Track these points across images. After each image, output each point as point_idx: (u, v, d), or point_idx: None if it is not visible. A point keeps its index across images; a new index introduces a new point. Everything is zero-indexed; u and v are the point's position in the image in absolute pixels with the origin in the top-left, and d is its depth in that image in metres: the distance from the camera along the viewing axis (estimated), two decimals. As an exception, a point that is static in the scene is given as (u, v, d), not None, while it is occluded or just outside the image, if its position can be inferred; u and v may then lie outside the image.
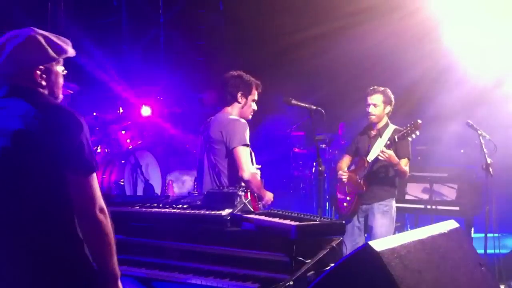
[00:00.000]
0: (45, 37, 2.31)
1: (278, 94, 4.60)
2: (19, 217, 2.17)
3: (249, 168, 4.04)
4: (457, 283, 2.02)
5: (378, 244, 1.85)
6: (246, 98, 4.28)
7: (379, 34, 7.97)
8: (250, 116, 4.35)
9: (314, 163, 7.60)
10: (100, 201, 2.20)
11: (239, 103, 4.27)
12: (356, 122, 8.50)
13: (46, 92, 2.33)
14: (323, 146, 7.78)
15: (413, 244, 1.96)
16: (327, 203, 7.39)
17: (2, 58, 2.26)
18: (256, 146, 4.72)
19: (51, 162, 2.14)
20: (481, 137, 5.33)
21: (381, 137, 5.15)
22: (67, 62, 2.53)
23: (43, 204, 2.17)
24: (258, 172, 4.48)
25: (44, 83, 2.31)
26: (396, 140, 4.94)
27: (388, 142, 4.99)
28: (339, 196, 5.40)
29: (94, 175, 2.21)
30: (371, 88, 5.21)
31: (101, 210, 2.19)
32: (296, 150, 8.47)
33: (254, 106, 4.35)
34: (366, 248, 1.83)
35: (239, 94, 4.25)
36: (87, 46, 8.19)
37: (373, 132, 5.22)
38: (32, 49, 2.27)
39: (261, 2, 8.69)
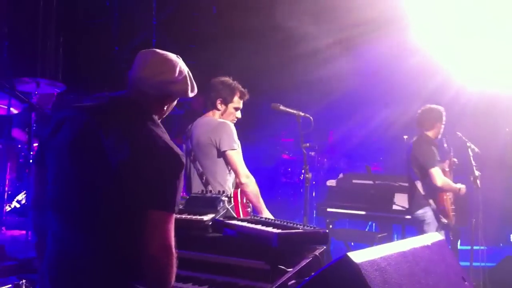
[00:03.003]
0: (189, 72, 2.40)
1: (269, 100, 4.52)
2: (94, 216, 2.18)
3: (245, 171, 3.96)
4: (439, 298, 1.96)
5: (358, 256, 1.79)
6: (226, 106, 4.19)
7: (374, 47, 7.95)
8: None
9: (303, 170, 7.58)
10: (170, 242, 2.16)
11: (218, 110, 4.20)
12: (346, 132, 8.52)
13: (157, 118, 2.36)
14: (312, 153, 7.74)
15: (394, 257, 1.90)
16: (314, 211, 7.34)
17: (153, 70, 2.29)
18: (244, 151, 4.68)
19: (144, 192, 2.13)
20: (469, 149, 5.31)
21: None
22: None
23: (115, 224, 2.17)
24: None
25: (163, 112, 2.39)
26: None
27: None
28: (450, 207, 5.42)
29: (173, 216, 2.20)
30: None
31: (168, 250, 2.15)
32: (285, 156, 8.42)
33: (238, 114, 4.25)
34: (345, 259, 1.77)
35: (218, 101, 4.18)
36: (77, 46, 8.13)
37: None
38: (183, 81, 2.35)
39: (255, 7, 8.63)
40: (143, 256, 2.10)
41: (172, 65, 2.31)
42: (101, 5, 8.75)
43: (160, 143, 2.19)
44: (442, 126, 5.48)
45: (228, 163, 3.99)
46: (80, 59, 8.14)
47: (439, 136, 5.55)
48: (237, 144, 4.02)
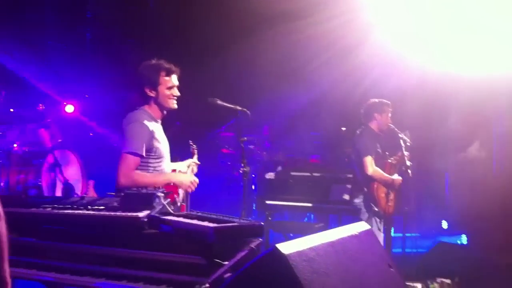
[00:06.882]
0: None
1: (208, 94, 4.48)
2: None
3: (124, 176, 3.78)
4: (366, 285, 2.03)
5: (286, 247, 1.83)
6: (156, 90, 3.92)
7: (310, 43, 8.06)
8: (173, 104, 3.97)
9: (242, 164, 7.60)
10: None
11: (151, 97, 3.93)
12: (282, 124, 8.63)
13: None
14: (252, 147, 7.79)
15: (322, 247, 1.96)
16: (253, 204, 7.41)
17: None
18: (184, 146, 4.67)
19: None
20: (401, 141, 5.49)
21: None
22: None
23: None
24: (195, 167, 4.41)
25: None
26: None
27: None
28: (383, 199, 5.52)
29: None
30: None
31: None
32: (225, 150, 8.44)
33: (174, 92, 3.95)
34: (274, 251, 1.81)
35: (147, 90, 3.91)
36: (8, 41, 7.85)
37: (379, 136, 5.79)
38: None
39: (192, 1, 8.59)
40: None
41: None
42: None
43: None
44: (385, 117, 5.66)
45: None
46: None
47: (386, 127, 5.70)
48: (132, 150, 3.79)
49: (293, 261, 1.79)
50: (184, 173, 4.29)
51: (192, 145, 4.71)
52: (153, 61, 3.99)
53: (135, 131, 3.83)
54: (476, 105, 7.21)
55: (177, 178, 3.95)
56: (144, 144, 3.84)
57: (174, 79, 3.98)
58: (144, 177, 3.85)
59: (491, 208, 6.96)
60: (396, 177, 5.53)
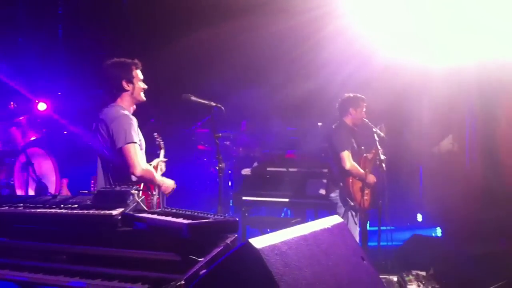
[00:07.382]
0: None
1: (183, 91, 4.47)
2: None
3: (139, 164, 3.87)
4: (338, 277, 2.05)
5: (259, 241, 1.84)
6: (132, 83, 4.06)
7: (286, 36, 8.06)
8: (143, 96, 4.14)
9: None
10: None
11: (127, 91, 4.06)
12: (258, 120, 8.63)
13: None
14: (227, 143, 7.78)
15: (295, 240, 1.97)
16: (231, 200, 7.40)
17: None
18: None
19: None
20: (375, 135, 5.54)
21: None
22: None
23: None
24: (163, 165, 4.41)
25: None
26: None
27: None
28: (359, 193, 5.53)
29: None
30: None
31: None
32: (201, 147, 8.42)
33: (142, 85, 4.12)
34: (247, 245, 1.81)
35: (124, 83, 4.03)
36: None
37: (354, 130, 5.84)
38: None
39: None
40: None
41: None
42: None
43: None
44: (360, 112, 5.70)
45: (123, 157, 3.86)
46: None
47: (360, 122, 5.74)
48: (133, 140, 3.88)
49: (266, 255, 1.79)
50: None
51: (157, 138, 4.72)
52: (119, 58, 4.11)
53: (126, 124, 3.91)
54: (449, 98, 7.29)
55: (166, 181, 4.15)
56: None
57: (140, 73, 4.16)
58: (149, 171, 3.97)
59: (465, 201, 7.06)
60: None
